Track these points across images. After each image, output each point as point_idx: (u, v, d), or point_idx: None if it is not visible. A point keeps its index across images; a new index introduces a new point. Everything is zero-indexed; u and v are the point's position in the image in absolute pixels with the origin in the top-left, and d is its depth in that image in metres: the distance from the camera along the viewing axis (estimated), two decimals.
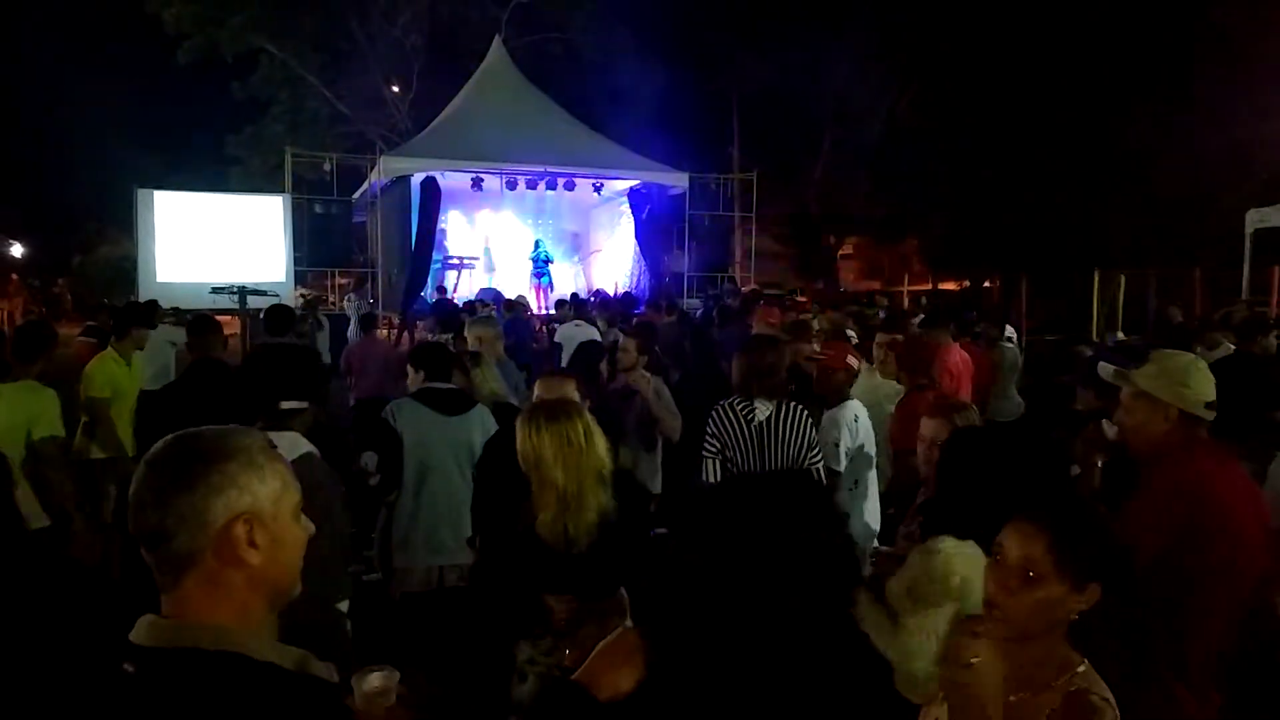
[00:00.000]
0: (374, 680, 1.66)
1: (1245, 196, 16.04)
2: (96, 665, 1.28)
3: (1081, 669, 1.76)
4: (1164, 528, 2.44)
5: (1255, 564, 2.53)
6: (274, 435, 2.52)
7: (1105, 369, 2.80)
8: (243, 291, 11.15)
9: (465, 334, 5.95)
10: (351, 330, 13.00)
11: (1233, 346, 6.38)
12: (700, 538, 1.62)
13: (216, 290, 11.70)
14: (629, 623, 1.72)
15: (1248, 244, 14.41)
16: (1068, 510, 1.86)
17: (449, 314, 11.15)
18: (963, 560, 2.46)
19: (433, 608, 4.09)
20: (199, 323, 5.64)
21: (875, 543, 4.33)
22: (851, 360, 4.98)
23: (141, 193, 17.33)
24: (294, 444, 2.61)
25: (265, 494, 1.32)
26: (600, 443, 2.82)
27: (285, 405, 2.84)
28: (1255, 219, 14.29)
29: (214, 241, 17.20)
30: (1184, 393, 2.57)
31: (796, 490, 1.74)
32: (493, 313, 11.57)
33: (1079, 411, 3.90)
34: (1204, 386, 2.60)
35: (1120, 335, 13.98)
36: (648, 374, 5.41)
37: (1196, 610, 2.47)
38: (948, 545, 2.51)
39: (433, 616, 4.02)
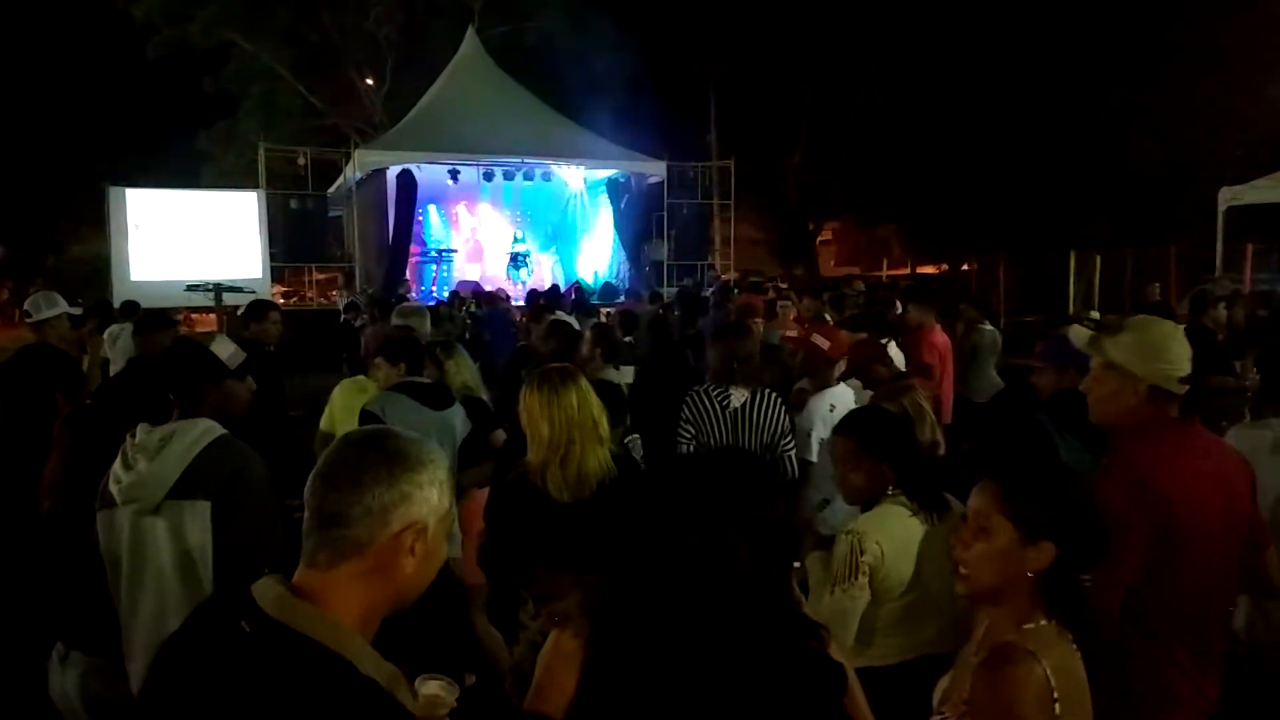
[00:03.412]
0: (432, 688, 1.64)
1: (1219, 174, 16.17)
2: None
3: (1030, 626, 1.72)
4: (1127, 502, 2.21)
5: (1214, 543, 2.34)
6: (188, 422, 2.70)
7: (1079, 335, 2.57)
8: (218, 289, 11.01)
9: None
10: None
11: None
12: (634, 518, 1.63)
13: (192, 288, 11.56)
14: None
15: (1220, 221, 14.55)
16: (1025, 465, 1.89)
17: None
18: (884, 538, 2.52)
19: (440, 601, 4.06)
20: (149, 319, 5.63)
21: None
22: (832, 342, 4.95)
23: (113, 190, 17.06)
24: (208, 429, 2.71)
25: (436, 509, 1.38)
26: (593, 407, 2.99)
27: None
28: (1227, 196, 14.43)
29: (188, 239, 16.98)
30: (1159, 367, 2.37)
31: (732, 467, 1.76)
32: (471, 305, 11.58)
33: (1035, 390, 3.89)
34: (1180, 360, 2.38)
35: (1094, 315, 14.06)
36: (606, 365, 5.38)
37: (1161, 580, 2.25)
38: (861, 526, 2.57)
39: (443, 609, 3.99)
